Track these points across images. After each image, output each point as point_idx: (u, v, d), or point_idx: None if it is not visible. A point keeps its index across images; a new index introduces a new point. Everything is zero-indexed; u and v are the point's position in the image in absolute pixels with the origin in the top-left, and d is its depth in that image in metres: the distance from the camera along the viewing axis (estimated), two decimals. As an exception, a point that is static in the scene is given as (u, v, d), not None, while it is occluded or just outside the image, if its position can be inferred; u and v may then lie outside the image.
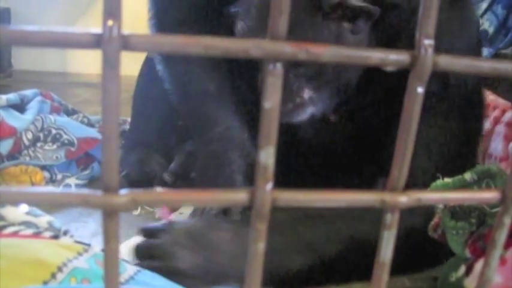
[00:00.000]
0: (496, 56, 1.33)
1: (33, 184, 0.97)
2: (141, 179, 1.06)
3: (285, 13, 0.20)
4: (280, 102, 0.73)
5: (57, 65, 2.70)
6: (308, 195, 0.23)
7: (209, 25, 0.90)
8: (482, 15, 1.39)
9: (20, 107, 1.09)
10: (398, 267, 0.74)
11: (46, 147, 1.07)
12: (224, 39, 0.20)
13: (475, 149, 0.85)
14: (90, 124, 1.23)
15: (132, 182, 1.04)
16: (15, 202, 0.22)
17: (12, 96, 1.07)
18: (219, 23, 0.85)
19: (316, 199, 0.23)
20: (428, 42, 0.22)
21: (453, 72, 0.76)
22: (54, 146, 1.07)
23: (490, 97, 1.01)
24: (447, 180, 0.62)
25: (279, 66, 0.21)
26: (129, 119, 1.33)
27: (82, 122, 1.21)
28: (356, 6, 0.73)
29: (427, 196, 0.25)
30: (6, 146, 0.98)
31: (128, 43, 0.20)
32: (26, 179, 0.96)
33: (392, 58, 0.22)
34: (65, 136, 1.08)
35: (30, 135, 1.04)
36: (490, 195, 0.26)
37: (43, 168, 1.04)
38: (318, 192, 0.23)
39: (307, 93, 0.81)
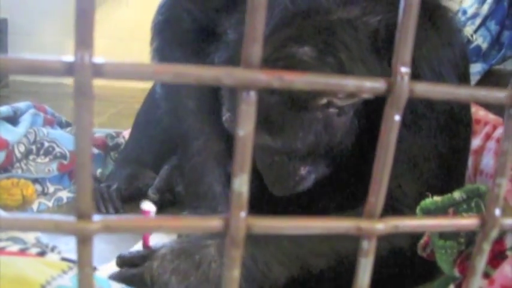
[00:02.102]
0: (490, 72, 1.34)
1: (24, 197, 0.97)
2: (131, 194, 1.06)
3: (258, 42, 0.20)
4: (281, 181, 0.72)
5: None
6: (283, 222, 0.23)
7: (198, 62, 0.93)
8: (476, 31, 1.39)
9: (13, 119, 1.09)
10: (388, 285, 0.74)
11: (38, 160, 1.06)
12: (196, 67, 0.20)
13: (463, 168, 0.85)
14: (84, 137, 1.23)
15: (123, 196, 1.04)
16: (-13, 228, 0.22)
17: (4, 109, 1.07)
18: (204, 62, 0.87)
19: (291, 226, 0.23)
20: (405, 70, 0.22)
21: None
22: (47, 159, 1.07)
23: (480, 113, 1.01)
24: (436, 198, 0.62)
25: (252, 94, 0.21)
26: (123, 132, 1.34)
27: (75, 134, 1.21)
28: (343, 105, 0.75)
29: (404, 223, 0.25)
30: (-3, 158, 0.98)
31: (99, 71, 0.20)
32: (18, 192, 0.96)
33: (368, 85, 0.22)
34: (57, 149, 1.08)
35: (22, 148, 1.04)
36: (469, 221, 0.26)
37: (35, 181, 1.04)
38: (293, 219, 0.23)
39: (304, 170, 0.83)
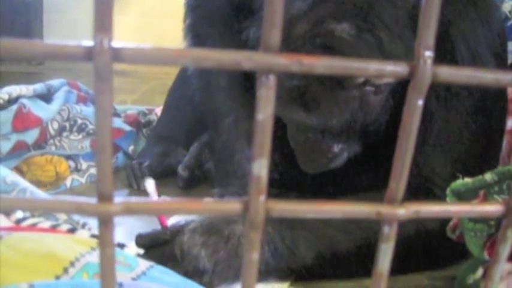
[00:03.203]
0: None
1: (57, 174, 0.99)
2: (162, 171, 1.07)
3: (278, 26, 0.20)
4: (313, 158, 0.72)
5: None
6: (302, 206, 0.23)
7: (231, 38, 0.93)
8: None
9: (46, 97, 1.11)
10: (417, 265, 0.73)
11: (72, 137, 1.08)
12: (215, 51, 0.20)
13: (497, 149, 0.83)
14: (116, 114, 1.24)
15: (155, 173, 1.05)
16: (12, 209, 0.22)
17: (38, 87, 1.08)
18: (238, 38, 0.86)
19: (310, 210, 0.23)
20: (428, 53, 0.22)
21: (474, 65, 0.75)
22: (80, 136, 1.09)
23: (517, 93, 0.98)
24: (467, 180, 0.61)
25: (272, 78, 0.21)
26: (156, 109, 1.35)
27: (108, 111, 1.23)
28: (380, 84, 0.74)
29: (426, 208, 0.24)
30: (32, 135, 1.00)
31: (118, 55, 0.20)
32: (51, 168, 0.98)
33: (390, 69, 0.22)
34: (90, 126, 1.10)
35: (56, 125, 1.05)
36: (492, 208, 0.26)
37: (68, 157, 1.06)
38: (312, 203, 0.23)
39: (337, 147, 0.82)
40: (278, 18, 0.20)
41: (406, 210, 0.24)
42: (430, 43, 0.22)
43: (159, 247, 0.70)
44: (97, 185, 0.22)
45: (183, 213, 0.23)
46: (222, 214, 0.23)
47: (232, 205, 0.23)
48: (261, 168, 0.22)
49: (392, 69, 0.22)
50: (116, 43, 0.20)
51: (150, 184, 0.81)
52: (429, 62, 0.22)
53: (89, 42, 0.20)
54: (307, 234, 0.72)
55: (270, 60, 0.20)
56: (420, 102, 0.23)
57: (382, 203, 0.24)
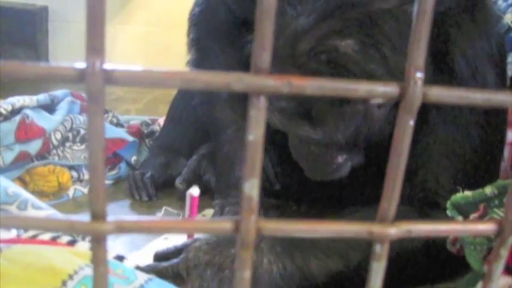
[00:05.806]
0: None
1: (60, 184, 0.99)
2: (164, 181, 1.07)
3: (268, 48, 0.20)
4: (318, 169, 0.72)
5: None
6: (293, 225, 0.23)
7: (233, 53, 0.94)
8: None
9: (50, 107, 1.11)
10: (419, 280, 0.73)
11: (74, 147, 1.09)
12: (205, 73, 0.20)
13: (498, 160, 0.83)
14: (119, 124, 1.25)
15: (157, 184, 1.06)
16: (5, 227, 0.23)
17: (42, 97, 1.09)
18: (240, 52, 0.86)
19: (301, 229, 0.23)
20: (419, 74, 0.22)
21: (474, 80, 0.75)
22: (83, 146, 1.09)
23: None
24: (467, 193, 0.61)
25: (262, 99, 0.21)
26: (159, 119, 1.35)
27: (111, 122, 1.23)
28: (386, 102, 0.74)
29: (418, 227, 0.24)
30: (35, 146, 1.01)
31: (110, 77, 0.20)
32: (54, 178, 0.98)
33: (380, 90, 0.22)
34: (93, 136, 1.10)
35: (58, 136, 1.06)
36: (486, 227, 0.26)
37: (71, 168, 1.06)
38: (304, 222, 0.23)
39: (341, 158, 0.83)
40: (268, 41, 0.20)
41: (397, 229, 0.24)
42: (421, 64, 0.22)
43: (161, 264, 0.69)
44: (90, 204, 0.22)
45: (175, 233, 0.23)
46: (214, 233, 0.23)
47: (223, 224, 0.23)
48: (252, 188, 0.22)
49: (383, 90, 0.22)
50: (108, 65, 0.20)
51: (195, 191, 0.81)
52: (419, 83, 0.22)
53: (81, 64, 0.20)
54: (318, 252, 0.71)
55: (260, 82, 0.21)
56: (411, 123, 0.23)
57: (374, 222, 0.24)
